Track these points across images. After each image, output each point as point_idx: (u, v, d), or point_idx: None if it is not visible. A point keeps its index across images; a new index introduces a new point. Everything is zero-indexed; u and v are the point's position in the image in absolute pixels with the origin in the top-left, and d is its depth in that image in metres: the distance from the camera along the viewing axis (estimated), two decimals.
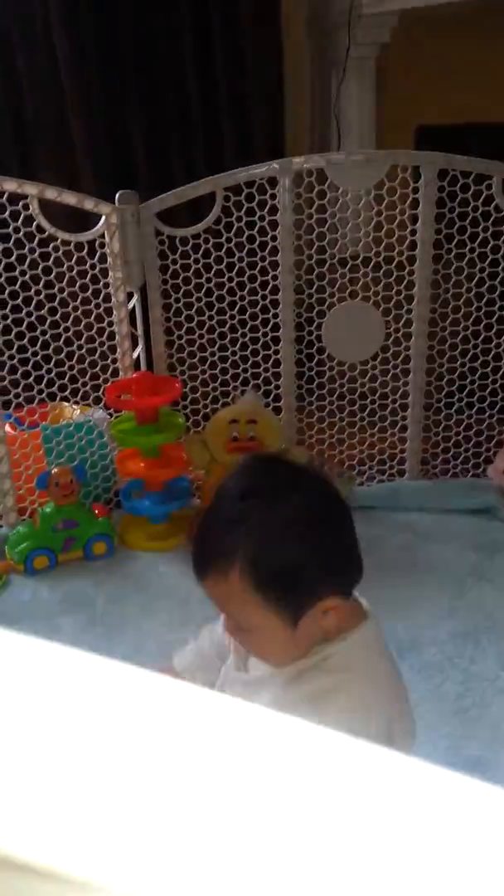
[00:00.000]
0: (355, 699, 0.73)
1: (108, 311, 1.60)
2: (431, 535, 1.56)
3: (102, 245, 1.56)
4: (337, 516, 0.76)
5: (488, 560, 1.46)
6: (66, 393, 1.64)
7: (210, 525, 0.75)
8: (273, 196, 1.56)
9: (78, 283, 1.56)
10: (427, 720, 1.04)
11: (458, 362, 1.68)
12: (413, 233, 1.60)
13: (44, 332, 1.56)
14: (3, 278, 1.49)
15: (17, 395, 1.58)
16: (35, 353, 1.56)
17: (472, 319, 1.66)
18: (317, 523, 0.73)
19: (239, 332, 1.69)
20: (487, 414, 1.71)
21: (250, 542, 0.70)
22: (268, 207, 1.57)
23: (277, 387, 1.69)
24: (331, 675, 0.74)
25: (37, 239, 1.50)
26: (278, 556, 0.70)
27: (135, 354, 1.67)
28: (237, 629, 0.76)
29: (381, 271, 1.63)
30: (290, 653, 0.75)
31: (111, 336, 1.62)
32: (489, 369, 1.68)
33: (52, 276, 1.55)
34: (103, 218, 1.54)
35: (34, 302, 1.53)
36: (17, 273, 1.50)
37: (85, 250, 1.55)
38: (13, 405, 1.59)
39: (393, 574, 1.42)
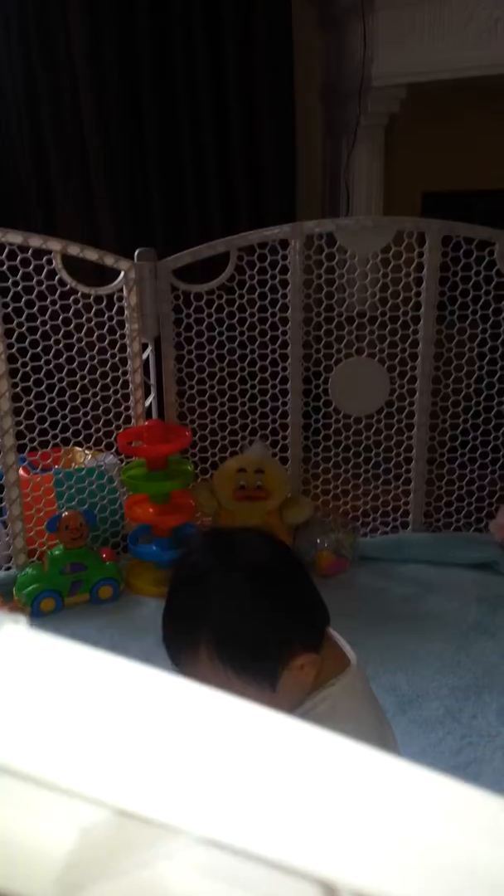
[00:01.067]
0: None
1: (123, 361, 1.66)
2: (434, 588, 1.58)
3: (120, 298, 1.62)
4: (286, 573, 0.77)
5: (490, 614, 1.47)
6: (80, 438, 1.69)
7: (171, 615, 0.77)
8: (284, 257, 1.64)
9: (95, 334, 1.63)
10: None
11: (461, 418, 1.73)
12: (418, 294, 1.67)
13: (61, 380, 1.62)
14: (24, 328, 1.55)
15: (31, 440, 1.62)
16: (51, 399, 1.61)
17: (474, 377, 1.71)
18: (261, 595, 0.73)
19: (248, 384, 1.75)
20: (490, 469, 1.75)
21: (207, 626, 0.72)
22: (279, 267, 1.64)
23: (285, 437, 1.73)
24: (320, 722, 0.75)
25: (58, 292, 1.57)
26: (236, 633, 0.71)
27: (147, 403, 1.72)
28: None
29: (387, 329, 1.69)
30: (280, 710, 0.76)
31: (125, 385, 1.68)
32: (491, 426, 1.73)
33: (72, 326, 1.61)
34: (122, 273, 1.61)
35: (53, 351, 1.59)
36: (38, 323, 1.56)
37: (104, 303, 1.62)
38: (28, 449, 1.64)
39: (396, 625, 1.43)
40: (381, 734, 0.80)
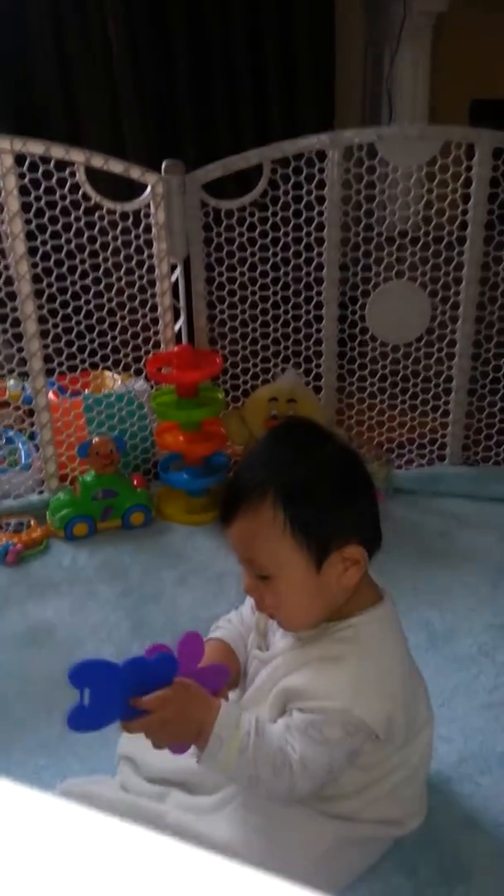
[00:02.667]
0: (362, 672, 0.74)
1: (151, 283, 1.60)
2: (470, 523, 1.54)
3: (147, 215, 1.55)
4: (360, 478, 0.78)
5: None
6: (109, 363, 1.65)
7: (241, 471, 0.78)
8: (321, 170, 1.53)
9: (122, 254, 1.56)
10: (459, 713, 1.03)
11: None
12: (464, 212, 1.56)
13: (87, 301, 1.56)
14: (48, 246, 1.49)
15: (60, 363, 1.59)
16: (79, 322, 1.56)
17: None
18: (342, 477, 0.76)
19: (281, 309, 1.68)
20: None
21: (283, 478, 0.73)
22: (315, 181, 1.54)
23: (318, 366, 1.67)
24: (341, 644, 0.76)
25: (82, 207, 1.50)
26: (309, 493, 0.74)
27: (176, 327, 1.66)
28: (257, 584, 0.76)
29: (430, 251, 1.59)
30: (311, 607, 0.76)
31: (153, 308, 1.62)
32: None
33: (97, 245, 1.54)
34: (149, 187, 1.53)
35: (79, 271, 1.53)
36: (62, 241, 1.50)
37: (130, 220, 1.54)
38: (56, 372, 1.61)
39: (429, 561, 1.40)
40: (405, 676, 0.79)
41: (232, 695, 0.86)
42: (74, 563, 1.43)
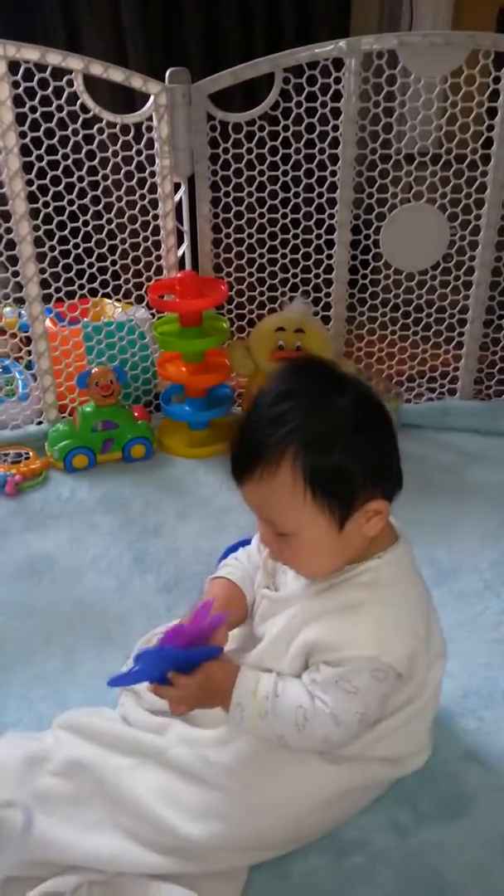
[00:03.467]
0: (384, 615, 0.73)
1: (154, 204, 1.51)
2: (480, 458, 1.50)
3: (150, 129, 1.45)
4: (380, 421, 0.74)
5: None
6: (108, 290, 1.58)
7: (254, 423, 0.72)
8: (337, 80, 1.42)
9: (123, 171, 1.47)
10: (463, 648, 1.02)
11: None
12: (490, 129, 1.45)
13: (86, 223, 1.49)
14: (44, 162, 1.40)
15: (58, 289, 1.52)
16: (77, 245, 1.49)
17: None
18: (362, 424, 0.71)
19: (291, 233, 1.59)
20: None
21: (301, 436, 0.68)
22: (331, 92, 1.43)
23: (328, 294, 1.60)
24: (360, 589, 0.74)
25: (80, 119, 1.40)
26: (329, 451, 0.69)
27: (180, 252, 1.59)
28: (275, 538, 0.73)
29: (451, 170, 1.49)
30: (330, 561, 0.74)
31: (156, 231, 1.54)
32: None
33: (96, 161, 1.45)
34: (152, 98, 1.42)
35: (76, 189, 1.45)
36: (59, 157, 1.41)
37: (131, 134, 1.44)
38: (54, 299, 1.54)
39: (437, 496, 1.37)
40: (423, 612, 0.78)
41: (238, 631, 0.85)
42: (74, 495, 1.41)
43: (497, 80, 1.42)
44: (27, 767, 0.78)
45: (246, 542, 1.17)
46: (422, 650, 0.75)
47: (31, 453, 1.50)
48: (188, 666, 0.74)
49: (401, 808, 0.82)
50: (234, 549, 1.19)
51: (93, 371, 1.46)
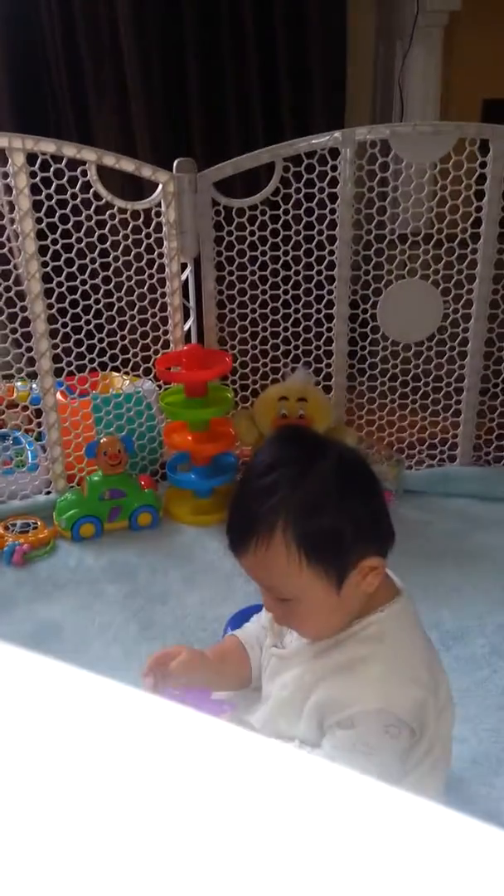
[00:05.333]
0: (390, 667, 0.73)
1: (162, 282, 1.59)
2: (481, 524, 1.52)
3: (158, 214, 1.54)
4: (365, 480, 0.76)
5: None
6: (117, 363, 1.64)
7: (245, 497, 0.75)
8: (334, 167, 1.52)
9: (132, 253, 1.55)
10: (471, 713, 1.02)
11: None
12: (478, 209, 1.54)
13: (97, 301, 1.56)
14: (59, 245, 1.48)
15: (69, 364, 1.58)
16: (88, 322, 1.56)
17: None
18: (347, 486, 0.73)
19: (292, 308, 1.66)
20: None
21: (289, 506, 0.70)
22: (328, 179, 1.53)
23: (329, 365, 1.66)
24: (366, 644, 0.74)
25: (93, 206, 1.49)
26: (318, 517, 0.71)
27: (186, 327, 1.65)
28: (278, 604, 0.75)
29: (443, 249, 1.57)
30: (333, 621, 0.75)
31: (163, 307, 1.61)
32: None
33: (108, 244, 1.54)
34: (160, 186, 1.52)
35: (89, 270, 1.53)
36: (73, 240, 1.49)
37: (141, 219, 1.53)
38: (65, 373, 1.60)
39: (440, 561, 1.39)
40: (429, 662, 0.78)
41: (244, 692, 0.85)
42: (81, 564, 1.42)
43: (483, 164, 1.51)
44: None
45: (250, 610, 1.18)
46: (429, 698, 0.75)
47: (38, 523, 1.52)
48: None
49: None
50: (238, 616, 1.20)
51: (101, 441, 1.50)
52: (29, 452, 1.67)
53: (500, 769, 0.94)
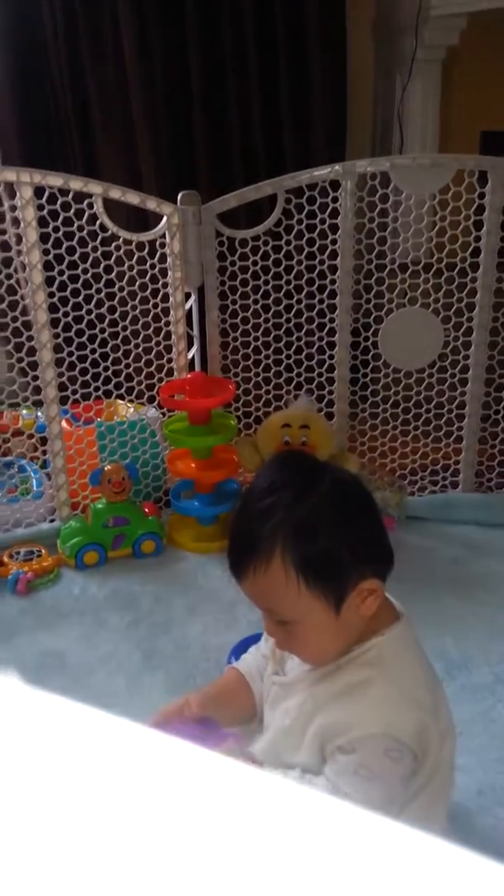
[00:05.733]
0: (391, 691, 0.73)
1: (166, 311, 1.61)
2: (484, 550, 1.52)
3: (163, 245, 1.57)
4: (362, 502, 0.77)
5: None
6: (122, 391, 1.66)
7: (243, 521, 0.75)
8: (335, 199, 1.55)
9: (137, 283, 1.58)
10: (477, 743, 1.01)
11: None
12: (477, 239, 1.56)
13: (102, 330, 1.58)
14: (65, 276, 1.51)
15: (74, 392, 1.60)
16: (93, 351, 1.58)
17: None
18: (343, 509, 0.74)
19: (294, 336, 1.68)
20: None
21: (287, 529, 0.71)
22: (329, 210, 1.55)
23: (331, 392, 1.67)
24: (366, 668, 0.74)
25: (99, 238, 1.52)
26: (315, 540, 0.72)
27: (190, 355, 1.67)
28: (278, 627, 0.75)
29: (443, 278, 1.60)
30: (333, 645, 0.75)
31: (167, 336, 1.63)
32: None
33: (113, 274, 1.56)
34: (165, 218, 1.55)
35: (94, 300, 1.55)
36: (79, 271, 1.52)
37: (146, 250, 1.56)
38: (70, 401, 1.62)
39: (443, 588, 1.38)
40: (430, 686, 0.78)
41: (247, 728, 0.85)
42: (85, 592, 1.42)
43: (482, 195, 1.54)
44: None
45: (252, 639, 1.18)
46: (431, 722, 0.74)
47: (42, 551, 1.53)
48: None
49: None
50: (241, 646, 1.20)
51: (105, 468, 1.51)
52: (34, 480, 1.68)
53: None
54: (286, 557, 0.71)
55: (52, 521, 1.63)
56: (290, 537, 0.71)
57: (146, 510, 1.58)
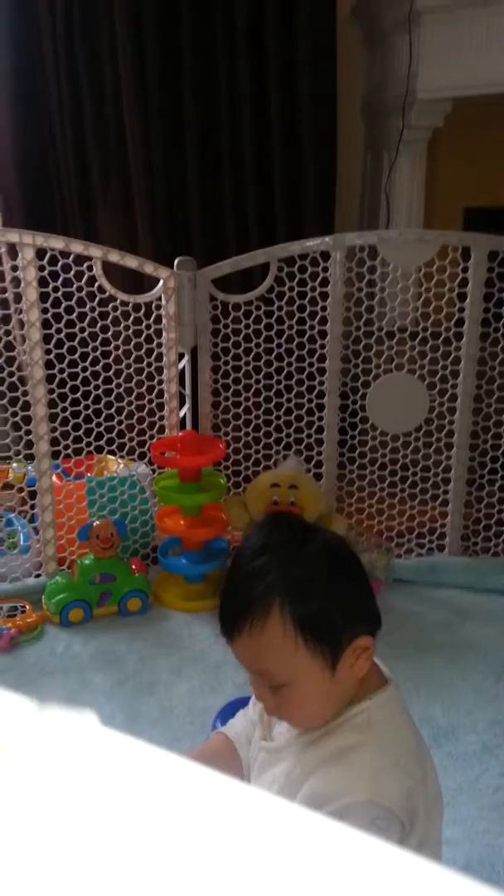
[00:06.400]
0: (379, 757, 0.73)
1: (159, 371, 1.65)
2: (470, 615, 1.53)
3: (159, 307, 1.61)
4: (351, 562, 0.79)
5: None
6: (113, 447, 1.67)
7: (237, 580, 0.76)
8: (325, 269, 1.61)
9: (132, 343, 1.61)
10: (463, 813, 1.00)
11: (503, 439, 1.68)
12: (461, 310, 1.63)
13: (96, 387, 1.60)
14: (62, 334, 1.54)
15: (66, 447, 1.61)
16: (86, 407, 1.60)
17: None
18: (335, 566, 0.75)
19: (284, 398, 1.72)
20: None
21: (282, 586, 0.72)
22: (319, 279, 1.61)
23: (319, 453, 1.70)
24: (355, 732, 0.74)
25: (97, 299, 1.56)
26: (311, 595, 0.72)
27: (181, 413, 1.70)
28: (270, 692, 0.75)
29: (428, 346, 1.65)
30: (326, 707, 0.75)
31: (160, 394, 1.66)
32: None
33: (109, 334, 1.60)
34: (161, 282, 1.60)
35: (90, 358, 1.58)
36: (76, 330, 1.56)
37: (142, 311, 1.60)
38: (61, 455, 1.63)
39: (430, 653, 1.38)
40: (418, 753, 0.77)
41: None
42: (69, 650, 1.41)
43: (465, 269, 1.61)
44: None
45: (239, 702, 1.17)
46: (419, 791, 0.73)
47: (27, 607, 1.51)
48: None
49: None
50: (227, 709, 1.19)
51: (94, 524, 1.52)
52: (21, 534, 1.67)
53: (494, 874, 0.91)
54: (284, 613, 0.71)
55: (37, 576, 1.61)
56: (286, 595, 0.71)
57: (133, 567, 1.57)
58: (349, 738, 0.74)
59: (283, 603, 0.71)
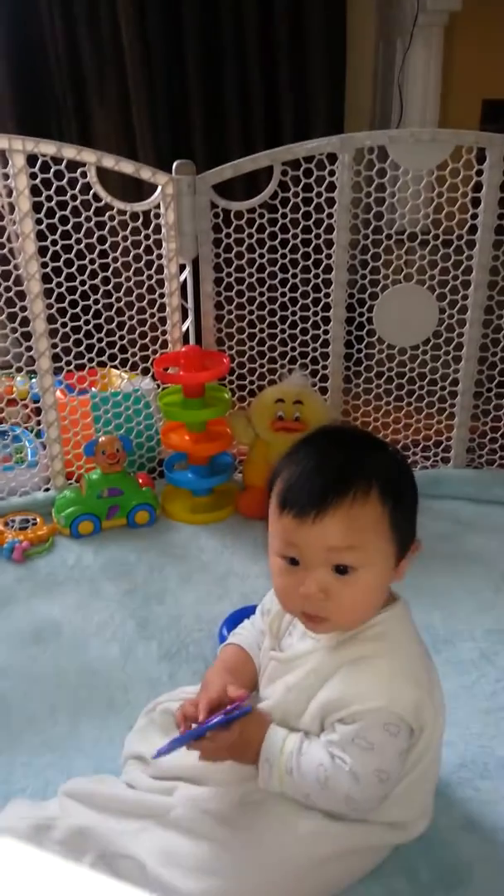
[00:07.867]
0: (394, 666, 0.77)
1: (160, 283, 1.61)
2: (473, 526, 1.55)
3: (157, 216, 1.55)
4: (411, 473, 0.83)
5: None
6: (116, 362, 1.66)
7: (336, 454, 0.78)
8: (332, 172, 1.53)
9: (131, 254, 1.57)
10: (458, 717, 1.04)
11: None
12: (474, 216, 1.56)
13: (96, 301, 1.57)
14: (59, 246, 1.50)
15: (68, 363, 1.60)
16: (87, 322, 1.57)
17: None
18: (412, 477, 0.81)
19: (289, 310, 1.68)
20: None
21: (380, 473, 0.75)
22: (325, 184, 1.54)
23: (325, 367, 1.68)
24: (372, 642, 0.78)
25: (93, 207, 1.50)
26: (402, 488, 0.77)
27: (184, 327, 1.67)
28: (328, 583, 0.74)
29: (439, 254, 1.59)
30: (377, 601, 0.78)
31: (162, 308, 1.63)
32: None
33: (107, 245, 1.55)
34: (159, 188, 1.53)
35: (88, 271, 1.54)
36: (72, 241, 1.51)
37: (140, 220, 1.55)
38: (64, 371, 1.62)
39: (432, 563, 1.41)
40: (427, 665, 0.81)
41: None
42: (80, 562, 1.45)
43: (480, 172, 1.53)
44: (33, 835, 0.80)
45: (244, 611, 1.21)
46: (427, 700, 0.77)
47: (38, 519, 1.55)
48: (226, 725, 0.77)
49: (398, 878, 0.83)
50: (233, 617, 1.23)
51: (100, 440, 1.52)
52: (28, 449, 1.69)
53: (486, 773, 0.96)
54: (384, 493, 0.75)
55: (46, 489, 1.64)
56: (384, 481, 0.75)
57: (140, 481, 1.59)
58: (365, 647, 0.77)
59: (382, 485, 0.74)
